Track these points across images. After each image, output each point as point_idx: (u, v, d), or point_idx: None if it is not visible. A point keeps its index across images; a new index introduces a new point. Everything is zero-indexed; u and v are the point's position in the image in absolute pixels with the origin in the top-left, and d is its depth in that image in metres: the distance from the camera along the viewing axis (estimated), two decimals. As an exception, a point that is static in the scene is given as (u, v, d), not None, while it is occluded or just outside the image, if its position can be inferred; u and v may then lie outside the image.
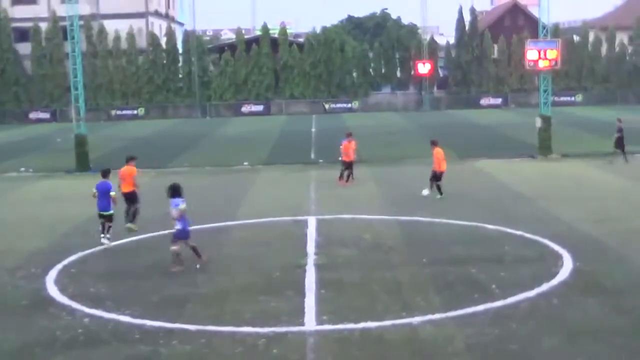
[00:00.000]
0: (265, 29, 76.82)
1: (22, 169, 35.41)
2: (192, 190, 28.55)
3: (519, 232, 19.09)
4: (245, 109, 73.80)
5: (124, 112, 73.17)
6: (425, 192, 24.67)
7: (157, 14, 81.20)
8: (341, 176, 27.93)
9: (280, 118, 67.87)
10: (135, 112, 73.41)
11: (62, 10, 48.14)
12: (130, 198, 19.87)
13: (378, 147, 37.80)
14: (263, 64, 74.65)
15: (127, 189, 19.85)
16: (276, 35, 76.91)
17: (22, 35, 74.58)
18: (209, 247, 18.71)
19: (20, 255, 18.39)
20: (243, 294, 14.64)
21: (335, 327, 12.53)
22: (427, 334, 12.16)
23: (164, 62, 74.79)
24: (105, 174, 19.22)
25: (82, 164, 34.54)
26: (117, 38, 73.48)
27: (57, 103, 72.58)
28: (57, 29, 71.70)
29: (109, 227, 18.88)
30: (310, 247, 18.18)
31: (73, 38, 35.45)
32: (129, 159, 20.21)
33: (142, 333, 12.53)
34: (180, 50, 76.56)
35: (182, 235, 16.49)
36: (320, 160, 35.12)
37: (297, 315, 13.10)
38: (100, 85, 73.34)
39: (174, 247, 16.46)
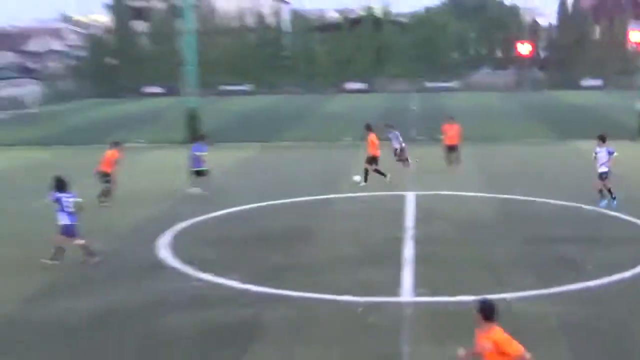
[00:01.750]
0: (369, 9, 76.96)
1: (140, 140, 36.95)
2: (296, 164, 29.47)
3: (615, 214, 18.97)
4: (347, 86, 74.31)
5: (233, 87, 74.91)
6: (357, 178, 23.87)
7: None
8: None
9: (382, 96, 67.89)
10: (243, 88, 75.02)
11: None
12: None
13: (477, 127, 37.56)
14: (366, 43, 74.85)
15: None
16: (379, 15, 76.89)
17: (138, 13, 77.18)
18: (312, 219, 19.45)
19: (132, 222, 19.41)
20: (343, 264, 15.18)
21: (431, 299, 12.92)
22: (520, 310, 12.30)
23: (271, 40, 75.95)
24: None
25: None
26: (227, 17, 75.08)
27: (169, 79, 74.90)
28: (170, 8, 73.83)
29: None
30: (409, 222, 18.59)
31: (186, 17, 36.79)
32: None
33: (247, 297, 13.21)
34: (287, 30, 77.54)
35: (67, 232, 15.25)
36: (420, 138, 35.26)
37: (394, 287, 13.53)
38: (211, 62, 75.11)
39: (78, 242, 15.27)
